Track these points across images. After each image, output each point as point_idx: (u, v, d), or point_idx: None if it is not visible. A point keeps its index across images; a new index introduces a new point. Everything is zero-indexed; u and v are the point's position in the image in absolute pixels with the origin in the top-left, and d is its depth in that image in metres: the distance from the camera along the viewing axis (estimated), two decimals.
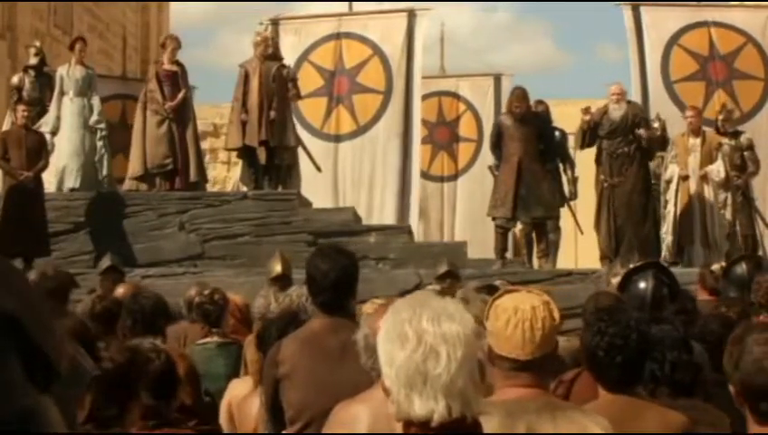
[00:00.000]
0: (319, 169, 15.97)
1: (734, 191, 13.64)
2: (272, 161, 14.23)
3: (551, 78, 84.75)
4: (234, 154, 16.37)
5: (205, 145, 27.51)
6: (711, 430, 4.13)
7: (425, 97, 18.30)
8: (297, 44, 17.49)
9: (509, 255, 15.05)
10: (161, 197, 13.94)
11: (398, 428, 2.50)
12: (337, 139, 17.25)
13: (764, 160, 14.49)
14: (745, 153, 13.93)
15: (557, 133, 14.37)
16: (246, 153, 14.54)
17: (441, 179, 19.88)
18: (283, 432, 4.45)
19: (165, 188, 14.18)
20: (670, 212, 13.65)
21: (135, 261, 13.09)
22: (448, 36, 25.13)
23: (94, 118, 14.35)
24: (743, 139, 14.07)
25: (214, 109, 25.24)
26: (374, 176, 17.07)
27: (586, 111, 14.02)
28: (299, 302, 5.83)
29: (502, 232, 13.80)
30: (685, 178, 13.62)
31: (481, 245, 18.26)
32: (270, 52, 14.59)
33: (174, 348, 6.03)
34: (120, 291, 7.81)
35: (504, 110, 15.05)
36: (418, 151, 17.44)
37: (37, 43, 16.51)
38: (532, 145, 13.44)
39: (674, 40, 16.20)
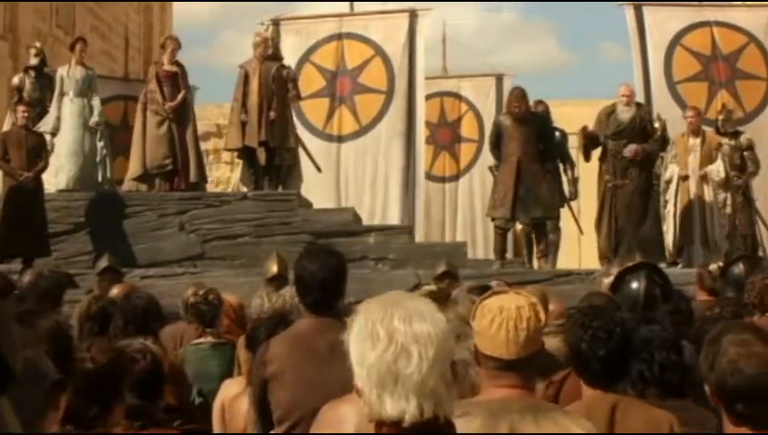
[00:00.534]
0: (319, 169, 15.96)
1: (733, 191, 13.63)
2: (272, 162, 14.24)
3: (555, 78, 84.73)
4: (236, 154, 16.38)
5: (208, 145, 27.53)
6: (700, 430, 4.12)
7: (427, 98, 18.30)
8: (298, 45, 17.50)
9: (510, 255, 15.05)
10: (161, 197, 13.95)
11: (371, 428, 2.50)
12: (339, 139, 17.26)
13: (766, 161, 14.46)
14: (745, 153, 13.91)
15: (557, 133, 14.38)
16: (246, 154, 14.55)
17: (443, 180, 19.88)
18: (271, 432, 4.45)
19: (164, 189, 14.19)
20: (670, 212, 13.64)
21: (135, 261, 13.10)
22: (453, 36, 25.11)
23: (94, 118, 14.35)
24: (742, 139, 14.05)
25: (217, 109, 25.20)
26: (377, 176, 17.08)
27: (584, 129, 14.13)
28: (292, 302, 5.82)
29: (501, 232, 13.79)
30: (685, 178, 13.62)
31: (482, 245, 18.29)
32: (270, 52, 14.59)
33: (163, 348, 6.03)
34: (116, 292, 7.79)
35: (504, 110, 15.05)
36: (423, 151, 17.44)
37: (37, 44, 16.52)
38: (531, 145, 13.42)
39: (676, 40, 16.18)
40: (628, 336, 4.13)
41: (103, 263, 11.26)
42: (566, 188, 14.47)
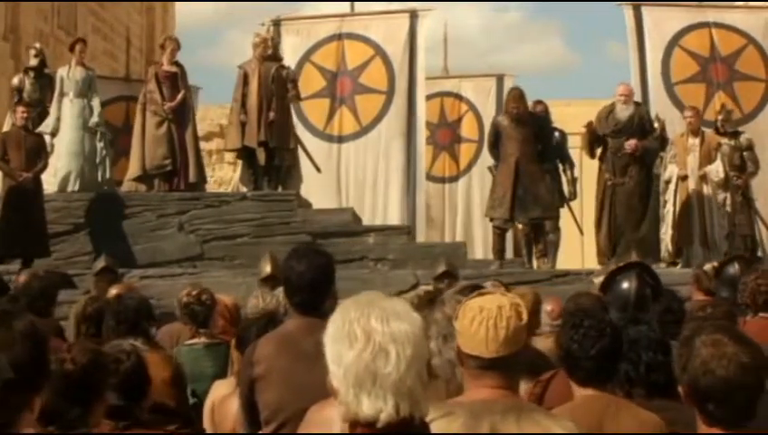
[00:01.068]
0: (318, 169, 15.95)
1: (733, 191, 13.62)
2: (271, 162, 14.25)
3: (560, 78, 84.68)
4: (236, 155, 16.38)
5: (212, 146, 27.56)
6: (686, 429, 4.13)
7: (427, 98, 18.29)
8: (299, 45, 17.51)
9: (509, 255, 15.05)
10: (161, 198, 13.96)
11: (345, 428, 2.51)
12: (340, 139, 17.27)
13: (765, 161, 14.45)
14: (745, 153, 13.90)
15: (556, 134, 14.37)
16: (246, 154, 14.57)
17: (443, 180, 19.86)
18: (259, 433, 4.45)
19: (164, 189, 14.20)
20: (669, 212, 13.64)
21: (134, 262, 13.11)
22: (459, 37, 25.20)
23: (94, 119, 14.35)
24: (742, 139, 14.04)
25: (220, 109, 25.19)
26: (377, 176, 17.09)
27: (589, 124, 14.09)
28: (285, 302, 5.83)
29: (499, 233, 13.78)
30: (684, 178, 13.61)
31: (482, 245, 18.27)
32: (269, 53, 14.60)
33: (164, 349, 6.05)
34: (113, 292, 7.81)
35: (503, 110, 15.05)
36: (423, 151, 17.45)
37: (37, 45, 16.51)
38: (529, 145, 13.42)
39: (675, 41, 16.15)
40: (619, 335, 4.14)
41: (100, 263, 11.28)
42: (565, 188, 14.47)
